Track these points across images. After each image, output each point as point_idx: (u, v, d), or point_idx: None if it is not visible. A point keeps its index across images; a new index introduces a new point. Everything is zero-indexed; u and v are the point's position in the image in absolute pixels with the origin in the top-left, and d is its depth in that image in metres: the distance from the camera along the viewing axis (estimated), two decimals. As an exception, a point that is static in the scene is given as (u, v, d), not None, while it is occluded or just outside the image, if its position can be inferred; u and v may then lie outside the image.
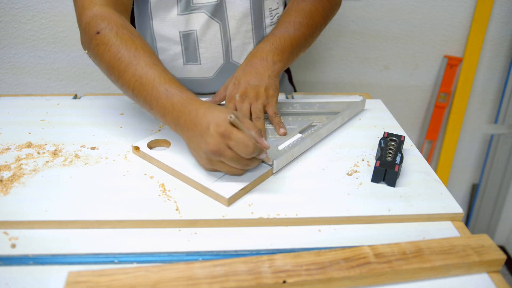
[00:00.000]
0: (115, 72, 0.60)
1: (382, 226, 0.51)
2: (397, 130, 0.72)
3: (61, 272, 0.43)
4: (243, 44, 0.78)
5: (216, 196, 0.53)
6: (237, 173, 0.56)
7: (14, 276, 0.43)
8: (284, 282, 0.40)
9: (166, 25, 0.75)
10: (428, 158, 1.42)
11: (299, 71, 1.28)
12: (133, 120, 0.73)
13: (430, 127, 1.37)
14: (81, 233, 0.49)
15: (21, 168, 0.58)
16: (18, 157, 0.61)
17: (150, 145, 0.63)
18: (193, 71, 0.80)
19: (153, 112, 0.59)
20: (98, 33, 0.61)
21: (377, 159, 0.58)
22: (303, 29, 0.74)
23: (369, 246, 0.44)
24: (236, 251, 0.47)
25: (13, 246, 0.47)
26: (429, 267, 0.43)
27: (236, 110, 0.67)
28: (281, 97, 0.84)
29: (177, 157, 0.60)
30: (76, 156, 0.62)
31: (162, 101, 0.57)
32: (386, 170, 0.56)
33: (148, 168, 0.60)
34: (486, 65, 1.30)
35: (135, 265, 0.44)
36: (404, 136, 0.64)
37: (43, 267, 0.44)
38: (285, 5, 0.82)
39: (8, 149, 0.63)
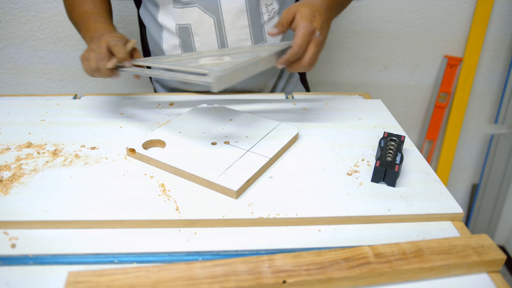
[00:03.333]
0: (69, 9, 0.81)
1: (382, 226, 0.51)
2: (397, 130, 0.72)
3: (61, 272, 0.43)
4: (239, 40, 0.78)
5: (224, 190, 0.54)
6: (91, 64, 0.66)
7: (14, 276, 0.43)
8: (284, 282, 0.40)
9: (167, 16, 0.78)
10: (428, 158, 1.42)
11: (299, 71, 1.28)
12: (133, 120, 0.73)
13: (430, 127, 1.37)
14: (81, 233, 0.49)
15: (21, 168, 0.58)
16: (18, 157, 0.61)
17: (145, 146, 0.62)
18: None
19: (81, 33, 0.76)
20: None
21: (377, 159, 0.58)
22: None
23: (369, 246, 0.44)
24: (236, 251, 0.47)
25: (13, 246, 0.47)
26: (429, 267, 0.43)
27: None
28: (281, 97, 0.84)
29: (176, 155, 0.60)
30: (76, 156, 0.62)
31: (88, 25, 0.74)
32: (386, 170, 0.56)
33: (147, 168, 0.60)
34: (486, 65, 1.30)
35: (135, 265, 0.44)
36: (404, 136, 0.64)
37: (43, 267, 0.44)
38: (280, 2, 0.80)
39: (8, 149, 0.63)
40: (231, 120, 0.70)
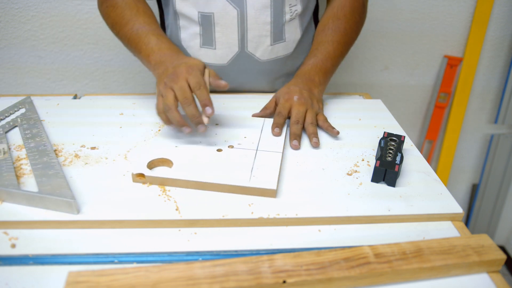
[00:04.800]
0: (117, 26, 0.75)
1: (382, 226, 0.51)
2: (397, 130, 0.72)
3: (61, 272, 0.43)
4: (259, 36, 0.79)
5: (261, 192, 0.54)
6: (172, 112, 0.60)
7: (14, 276, 0.43)
8: (284, 282, 0.40)
9: (187, 4, 0.77)
10: (428, 158, 1.42)
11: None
12: (133, 120, 0.73)
13: (430, 127, 1.37)
14: (81, 233, 0.49)
15: (21, 168, 0.58)
16: (18, 157, 0.61)
17: (149, 167, 0.58)
18: (208, 56, 0.81)
19: (141, 55, 0.71)
20: None
21: (377, 159, 0.58)
22: (340, 48, 0.79)
23: (369, 246, 0.44)
24: (236, 251, 0.47)
25: (13, 246, 0.47)
26: (429, 267, 0.43)
27: (287, 115, 0.70)
28: (281, 97, 0.84)
29: (190, 169, 0.56)
30: (76, 156, 0.62)
31: (152, 46, 0.69)
32: (386, 170, 0.56)
33: (148, 168, 0.59)
34: (486, 65, 1.30)
35: (135, 265, 0.44)
36: (404, 136, 0.64)
37: (43, 267, 0.44)
38: (306, 3, 0.82)
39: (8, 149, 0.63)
40: (217, 124, 0.69)
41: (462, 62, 1.27)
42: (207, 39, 0.79)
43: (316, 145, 0.65)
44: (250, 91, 0.87)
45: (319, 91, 0.76)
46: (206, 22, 0.77)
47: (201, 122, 0.60)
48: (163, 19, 0.89)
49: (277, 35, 0.80)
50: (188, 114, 0.60)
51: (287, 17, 0.79)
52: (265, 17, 0.77)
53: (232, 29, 0.77)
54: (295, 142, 0.65)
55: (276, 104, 0.73)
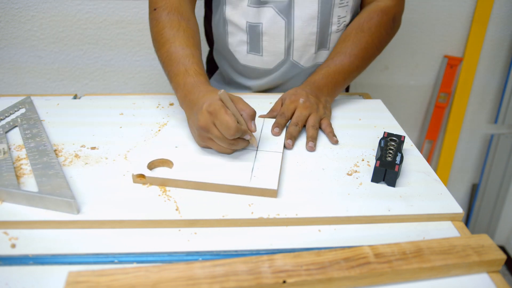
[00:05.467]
0: (156, 44, 0.71)
1: (382, 226, 0.51)
2: (397, 130, 0.72)
3: (61, 272, 0.43)
4: (304, 45, 0.79)
5: (261, 192, 0.53)
6: (225, 152, 0.60)
7: (14, 276, 0.43)
8: (284, 282, 0.40)
9: (237, 12, 0.78)
10: (428, 158, 1.42)
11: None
12: (133, 120, 0.73)
13: (430, 127, 1.37)
14: (81, 233, 0.49)
15: (21, 168, 0.58)
16: (18, 157, 0.61)
17: (149, 168, 0.57)
18: (255, 61, 0.82)
19: (172, 85, 0.68)
20: (154, 9, 0.73)
21: (377, 159, 0.58)
22: (357, 62, 0.77)
23: (369, 246, 0.44)
24: (236, 251, 0.47)
25: (13, 246, 0.47)
26: (429, 267, 0.43)
27: (290, 117, 0.69)
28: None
29: (191, 170, 0.56)
30: (76, 156, 0.62)
31: (179, 78, 0.65)
32: (386, 170, 0.56)
33: (148, 168, 0.59)
34: (486, 65, 1.30)
35: (135, 265, 0.44)
36: (404, 136, 0.64)
37: (43, 267, 0.44)
38: (355, 13, 0.82)
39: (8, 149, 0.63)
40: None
41: (462, 62, 1.27)
42: (255, 46, 0.80)
43: (311, 149, 0.64)
44: (259, 91, 0.89)
45: (325, 100, 0.74)
46: (254, 31, 0.78)
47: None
48: (210, 18, 0.89)
49: (322, 44, 0.80)
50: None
51: (334, 28, 0.79)
52: (311, 27, 0.77)
53: (279, 38, 0.78)
54: (289, 141, 0.65)
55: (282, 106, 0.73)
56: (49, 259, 0.45)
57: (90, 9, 1.12)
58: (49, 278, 0.43)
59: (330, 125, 0.70)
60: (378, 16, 0.78)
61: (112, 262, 0.45)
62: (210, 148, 0.61)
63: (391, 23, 0.79)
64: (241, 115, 0.58)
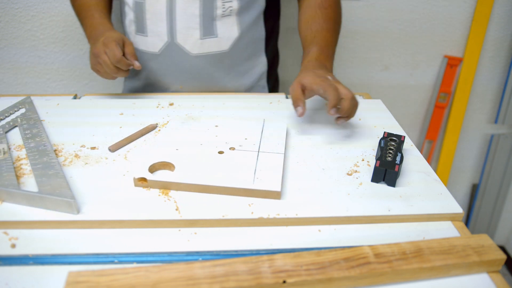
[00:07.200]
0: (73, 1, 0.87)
1: (382, 226, 0.51)
2: (397, 130, 0.72)
3: (61, 272, 0.43)
4: (187, 27, 0.80)
5: (265, 194, 0.53)
6: (107, 77, 0.76)
7: (14, 276, 0.43)
8: (284, 282, 0.40)
9: None
10: (428, 158, 1.42)
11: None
12: (133, 120, 0.73)
13: (430, 127, 1.37)
14: (81, 233, 0.49)
15: (21, 168, 0.58)
16: (18, 157, 0.61)
17: (151, 170, 0.57)
18: (141, 43, 0.84)
19: (82, 28, 0.84)
20: None
21: (377, 159, 0.58)
22: (335, 35, 0.82)
23: (369, 246, 0.44)
24: (236, 251, 0.47)
25: (13, 246, 0.47)
26: (429, 267, 0.43)
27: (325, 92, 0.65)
28: (281, 96, 0.84)
29: (193, 172, 0.56)
30: (76, 156, 0.62)
31: (87, 21, 0.82)
32: (386, 170, 0.56)
33: (148, 168, 0.59)
34: (486, 65, 1.30)
35: (135, 265, 0.44)
36: (404, 136, 0.64)
37: (43, 267, 0.44)
38: (240, 3, 0.81)
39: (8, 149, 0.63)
40: (217, 126, 0.68)
41: (462, 62, 1.27)
42: (140, 26, 0.83)
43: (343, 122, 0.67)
44: (194, 90, 0.88)
45: (332, 74, 0.72)
46: (139, 9, 0.81)
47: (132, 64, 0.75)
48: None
49: (208, 29, 0.80)
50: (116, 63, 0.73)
51: (219, 12, 0.79)
52: (193, 9, 0.78)
53: (161, 17, 0.79)
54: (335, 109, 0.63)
55: (303, 91, 0.66)
56: (49, 259, 0.45)
57: (90, 9, 1.12)
58: (49, 278, 0.43)
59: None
60: None
61: (112, 262, 0.45)
62: (99, 72, 0.76)
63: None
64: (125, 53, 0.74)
